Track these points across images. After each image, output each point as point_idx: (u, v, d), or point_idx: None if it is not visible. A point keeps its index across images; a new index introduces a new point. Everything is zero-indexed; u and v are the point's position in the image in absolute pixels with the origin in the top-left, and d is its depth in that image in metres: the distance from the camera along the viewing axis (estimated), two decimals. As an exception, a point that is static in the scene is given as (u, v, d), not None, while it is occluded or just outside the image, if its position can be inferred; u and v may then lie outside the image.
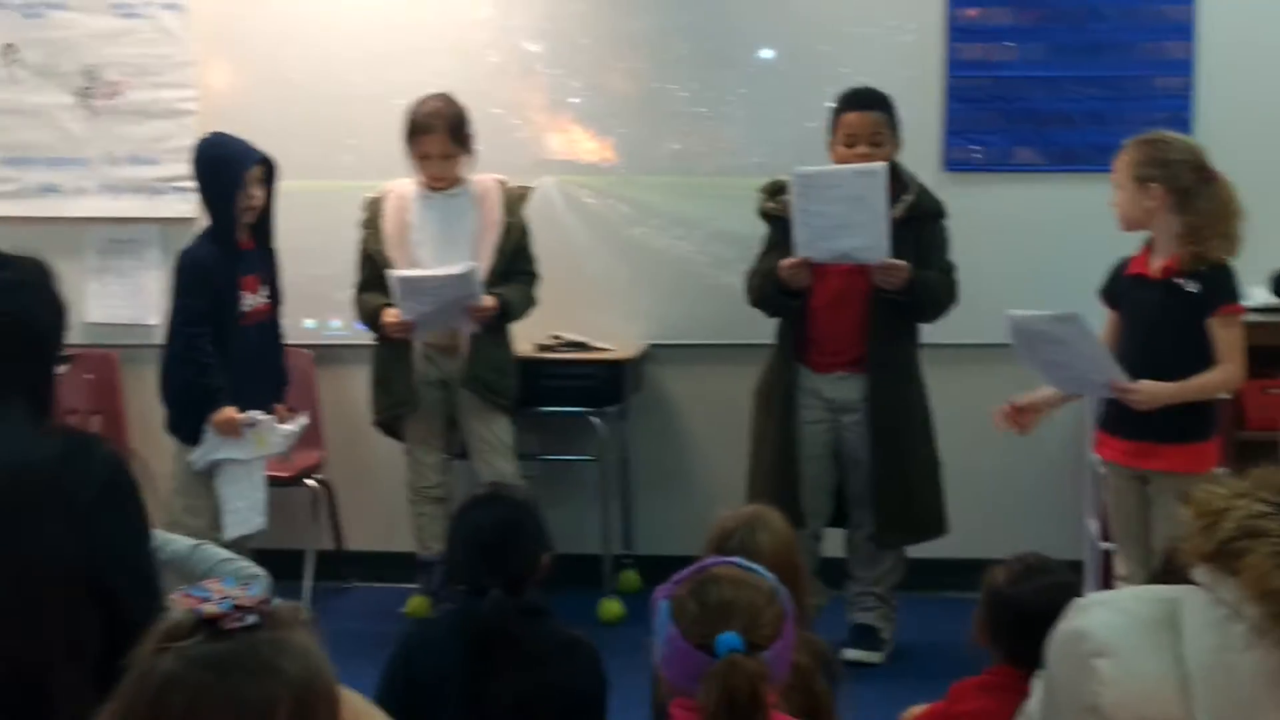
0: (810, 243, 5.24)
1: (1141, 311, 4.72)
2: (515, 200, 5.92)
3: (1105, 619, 2.08)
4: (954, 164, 6.31)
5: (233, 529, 5.37)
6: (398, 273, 5.65)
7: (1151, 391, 4.60)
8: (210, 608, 1.79)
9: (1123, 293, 4.83)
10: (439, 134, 5.77)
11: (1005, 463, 6.32)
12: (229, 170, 5.44)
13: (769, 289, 5.40)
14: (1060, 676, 2.10)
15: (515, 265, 5.86)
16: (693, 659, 2.61)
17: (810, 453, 5.46)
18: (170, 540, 3.09)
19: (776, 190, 5.46)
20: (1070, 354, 4.68)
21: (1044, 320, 4.71)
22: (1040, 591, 3.24)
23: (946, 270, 5.50)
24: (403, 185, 5.91)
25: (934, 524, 5.56)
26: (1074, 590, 3.31)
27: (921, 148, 6.24)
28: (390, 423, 6.00)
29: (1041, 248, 6.21)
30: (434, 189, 5.85)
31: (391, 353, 5.86)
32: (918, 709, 3.46)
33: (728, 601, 2.67)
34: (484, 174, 5.94)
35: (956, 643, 3.69)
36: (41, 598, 2.36)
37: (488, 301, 5.70)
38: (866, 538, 5.54)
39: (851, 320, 5.41)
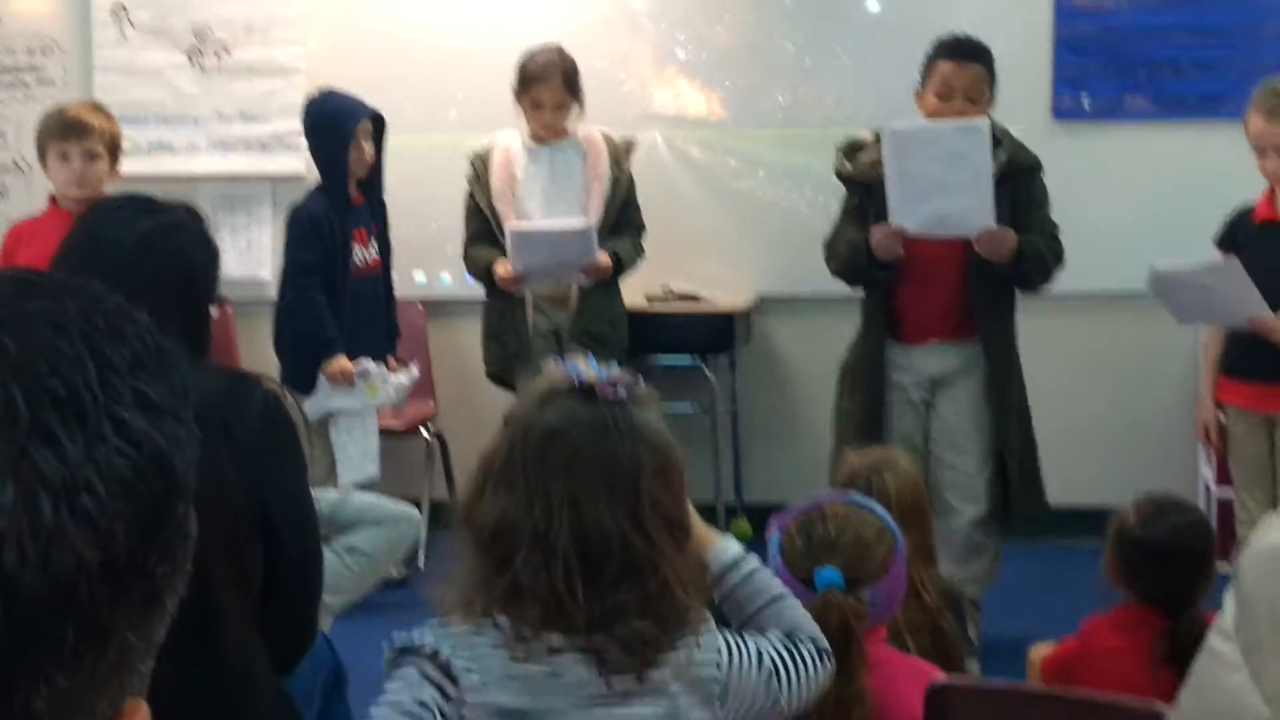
0: (904, 208, 4.71)
1: (1272, 256, 4.67)
2: (621, 153, 5.94)
3: None
4: (1063, 113, 6.28)
5: (346, 476, 5.45)
6: (514, 225, 5.67)
7: None
8: (590, 374, 2.11)
9: (1249, 238, 4.79)
10: (554, 82, 5.77)
11: (1114, 410, 6.34)
12: (339, 125, 5.50)
13: (858, 260, 4.88)
14: (1264, 593, 2.10)
15: (623, 217, 5.87)
16: (796, 592, 2.68)
17: (902, 433, 4.92)
18: (317, 495, 3.18)
19: (854, 149, 5.02)
20: (1215, 296, 4.64)
21: (1197, 272, 4.66)
22: (1174, 532, 3.26)
23: (1050, 232, 4.96)
24: (509, 138, 5.92)
25: (1039, 501, 5.05)
26: (1207, 527, 3.34)
27: (1030, 97, 6.24)
28: (503, 374, 6.02)
29: (1152, 196, 6.18)
30: (541, 141, 5.87)
31: (504, 305, 5.88)
32: (1044, 647, 3.48)
33: (831, 537, 2.74)
34: (589, 126, 5.95)
35: (1060, 587, 3.70)
36: (210, 529, 2.41)
37: (602, 259, 5.71)
38: (970, 524, 4.90)
39: (948, 290, 4.93)
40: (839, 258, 5.00)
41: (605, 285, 5.88)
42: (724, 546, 2.38)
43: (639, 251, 5.93)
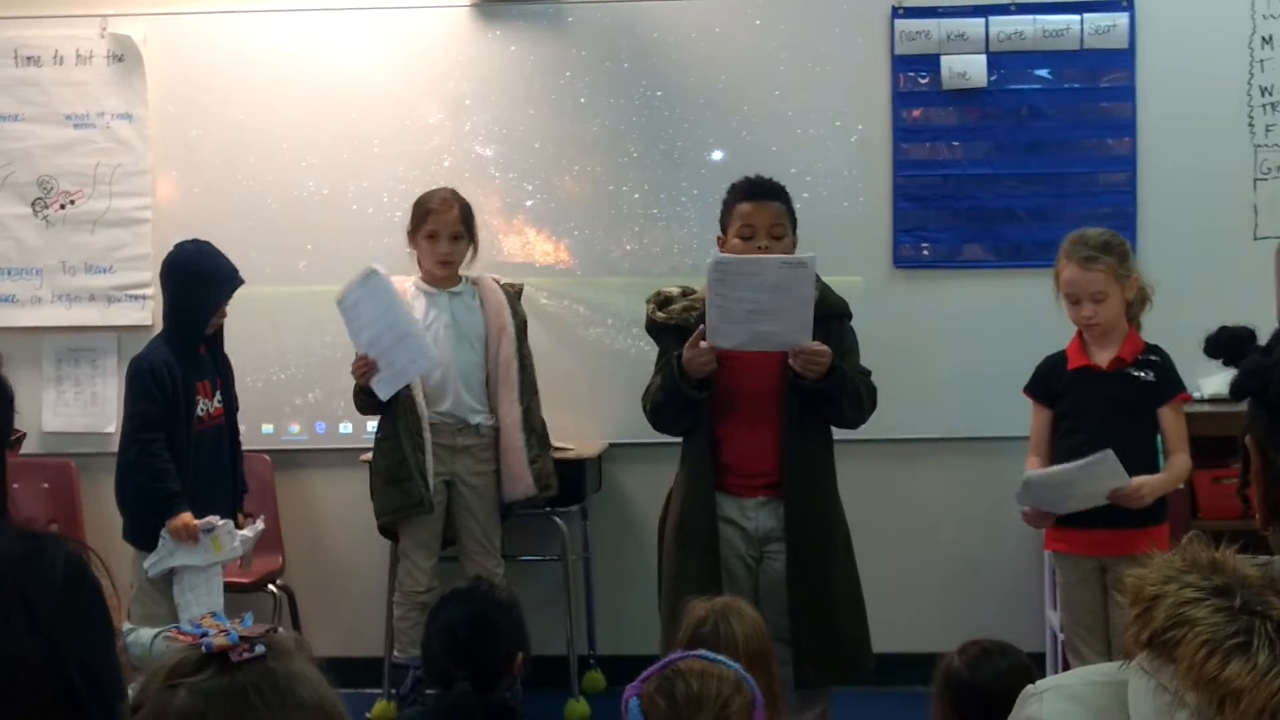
0: (721, 329, 4.60)
1: (1094, 404, 4.78)
2: (515, 299, 5.96)
3: (1058, 708, 2.11)
4: (903, 261, 6.41)
5: None
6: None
7: (1152, 487, 4.66)
8: (220, 640, 1.77)
9: (1067, 388, 4.89)
10: (451, 213, 5.78)
11: (962, 555, 6.40)
12: (217, 285, 5.47)
13: (670, 384, 4.74)
14: None
15: (524, 377, 5.88)
16: (669, 754, 2.66)
17: (734, 593, 4.50)
18: (132, 630, 3.10)
19: (665, 301, 4.97)
20: (1082, 485, 4.68)
21: (1070, 470, 4.69)
22: (999, 675, 3.30)
23: (862, 371, 4.89)
24: (400, 282, 5.79)
25: (860, 660, 4.88)
26: (1031, 672, 3.37)
27: (871, 245, 6.38)
28: (395, 525, 5.85)
29: (991, 342, 6.31)
30: (434, 284, 5.81)
31: (405, 449, 5.72)
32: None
33: (695, 694, 2.73)
34: (479, 272, 5.95)
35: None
36: (6, 705, 2.31)
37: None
38: (790, 679, 4.71)
39: (765, 436, 4.79)
40: (652, 392, 4.87)
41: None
42: None
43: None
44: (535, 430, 5.90)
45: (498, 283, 5.96)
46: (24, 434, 5.79)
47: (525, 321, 5.97)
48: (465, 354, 5.81)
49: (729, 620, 3.49)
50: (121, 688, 2.52)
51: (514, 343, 5.85)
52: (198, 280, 5.45)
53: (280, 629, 1.85)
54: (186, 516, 5.34)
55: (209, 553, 5.41)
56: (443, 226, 5.78)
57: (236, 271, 5.49)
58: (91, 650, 2.44)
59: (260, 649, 1.78)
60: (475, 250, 5.90)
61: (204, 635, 1.79)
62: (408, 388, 5.66)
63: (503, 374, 5.84)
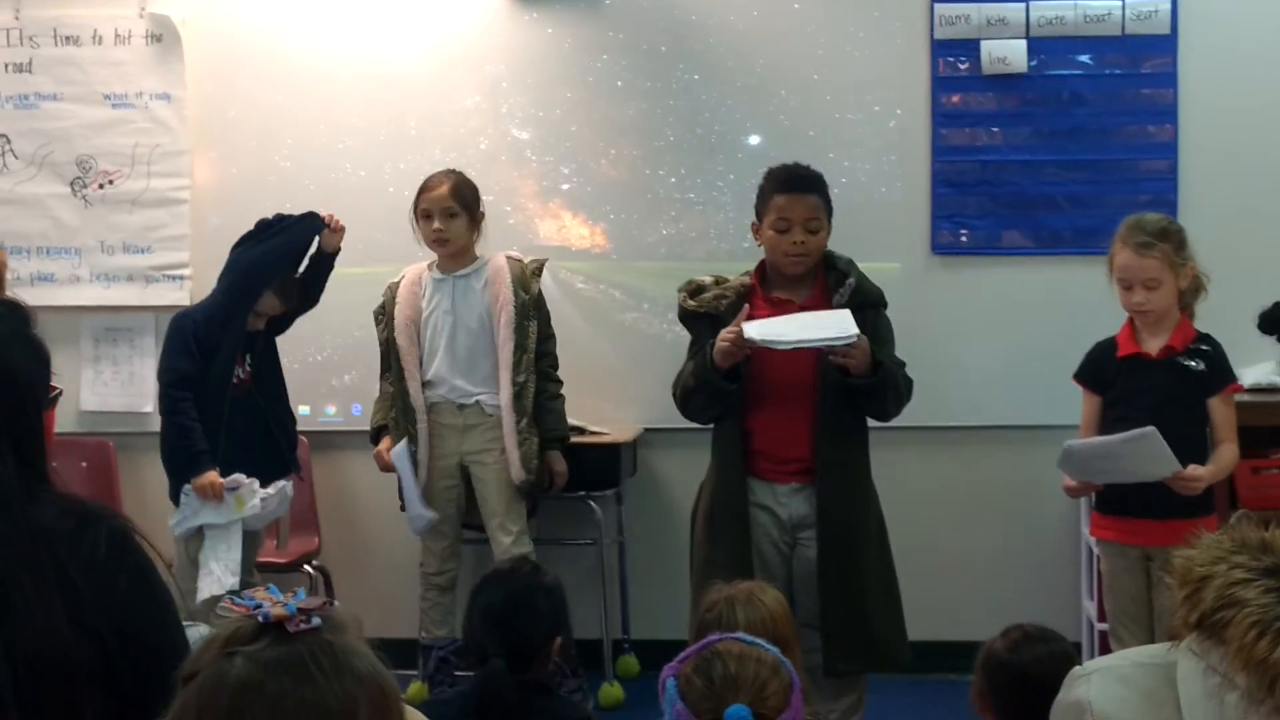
0: (762, 337, 4.61)
1: (1143, 393, 4.75)
2: (529, 275, 5.89)
3: (1107, 690, 2.10)
4: (941, 248, 6.37)
5: (205, 590, 5.33)
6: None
7: (1204, 476, 4.64)
8: (278, 610, 1.78)
9: (1116, 375, 4.86)
10: (441, 190, 5.76)
11: (999, 544, 6.37)
12: (254, 287, 5.71)
13: (702, 371, 4.71)
14: None
15: (542, 348, 5.87)
16: (703, 733, 2.66)
17: (765, 578, 4.40)
18: (191, 625, 3.09)
19: (698, 290, 4.91)
20: (1127, 462, 4.63)
21: (1111, 443, 4.65)
22: (1040, 660, 3.28)
23: (899, 365, 4.85)
24: (418, 269, 5.90)
25: (893, 650, 4.83)
26: (1073, 659, 3.35)
27: (909, 232, 6.35)
28: None
29: (1030, 329, 6.28)
30: (442, 268, 5.82)
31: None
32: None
33: (733, 675, 2.72)
34: (497, 254, 5.92)
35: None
36: (39, 683, 2.16)
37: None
38: (820, 667, 4.70)
39: (799, 423, 4.75)
40: (683, 378, 4.84)
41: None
42: None
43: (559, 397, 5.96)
44: (527, 412, 5.80)
45: (517, 260, 5.92)
46: (61, 391, 5.84)
47: (535, 300, 5.88)
48: (460, 339, 5.80)
49: (734, 607, 3.49)
50: (184, 656, 2.44)
51: (512, 323, 5.77)
52: (252, 294, 5.62)
53: (336, 603, 1.86)
54: (212, 475, 5.39)
55: (231, 510, 5.44)
56: (433, 204, 5.77)
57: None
58: (145, 623, 2.31)
59: (316, 621, 1.79)
60: (479, 227, 5.87)
61: (258, 606, 1.80)
62: (404, 379, 5.81)
63: (498, 355, 5.81)
